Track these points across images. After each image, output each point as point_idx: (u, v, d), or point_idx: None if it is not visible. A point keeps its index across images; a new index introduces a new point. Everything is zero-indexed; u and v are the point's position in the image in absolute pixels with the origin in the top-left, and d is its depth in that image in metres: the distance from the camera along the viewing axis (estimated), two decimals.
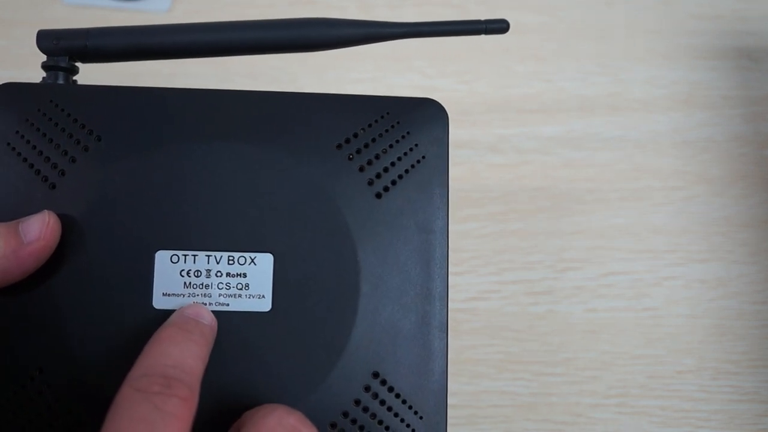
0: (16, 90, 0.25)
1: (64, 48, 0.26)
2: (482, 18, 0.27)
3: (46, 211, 0.24)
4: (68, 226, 0.24)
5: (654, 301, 0.43)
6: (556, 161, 0.46)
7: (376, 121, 0.26)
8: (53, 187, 0.24)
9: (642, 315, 0.43)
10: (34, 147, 0.25)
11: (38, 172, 0.25)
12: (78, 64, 0.27)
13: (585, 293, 0.43)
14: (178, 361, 0.21)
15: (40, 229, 0.23)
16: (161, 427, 0.19)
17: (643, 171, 0.46)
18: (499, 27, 0.27)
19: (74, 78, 0.27)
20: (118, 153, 0.25)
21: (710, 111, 0.48)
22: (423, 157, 0.26)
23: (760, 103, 0.48)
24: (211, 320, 0.24)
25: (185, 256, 0.24)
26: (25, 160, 0.25)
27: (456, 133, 0.48)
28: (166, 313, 0.24)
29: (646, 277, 0.43)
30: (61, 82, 0.26)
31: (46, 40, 0.26)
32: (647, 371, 0.41)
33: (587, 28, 0.50)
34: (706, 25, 0.50)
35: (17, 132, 0.25)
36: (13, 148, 0.25)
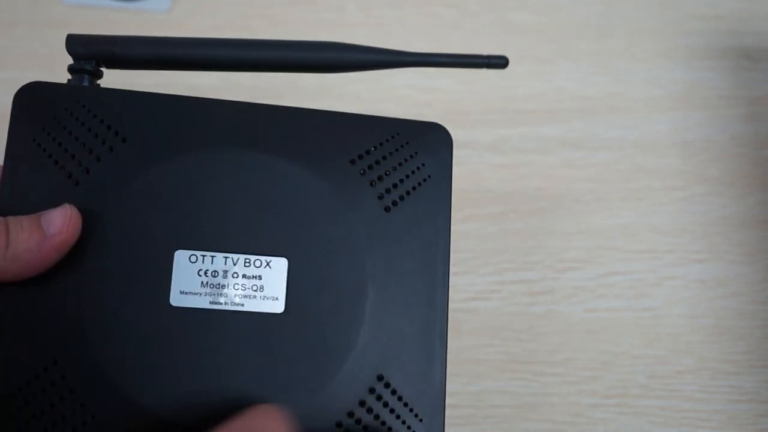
0: (43, 89, 0.26)
1: (92, 53, 0.27)
2: (484, 53, 0.30)
3: (67, 205, 0.24)
4: (90, 222, 0.25)
5: (654, 301, 0.43)
6: (556, 161, 0.46)
7: (387, 140, 0.28)
8: (77, 183, 0.25)
9: (642, 315, 0.43)
10: (60, 144, 0.25)
11: (63, 168, 0.25)
12: (102, 69, 0.28)
13: (585, 293, 0.43)
14: None
15: (62, 222, 0.23)
16: None
17: (643, 171, 0.46)
18: (499, 62, 0.30)
19: (98, 82, 0.28)
20: (143, 155, 0.26)
21: (709, 111, 0.48)
22: (429, 176, 0.28)
23: (759, 103, 0.48)
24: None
25: (203, 256, 0.25)
26: (50, 156, 0.25)
27: (456, 133, 0.48)
28: (183, 311, 0.24)
29: (646, 277, 0.43)
30: (86, 84, 0.27)
31: (75, 44, 0.27)
32: (647, 371, 0.41)
33: (587, 28, 0.50)
34: (705, 25, 0.50)
35: (44, 129, 0.25)
36: (39, 144, 0.25)
